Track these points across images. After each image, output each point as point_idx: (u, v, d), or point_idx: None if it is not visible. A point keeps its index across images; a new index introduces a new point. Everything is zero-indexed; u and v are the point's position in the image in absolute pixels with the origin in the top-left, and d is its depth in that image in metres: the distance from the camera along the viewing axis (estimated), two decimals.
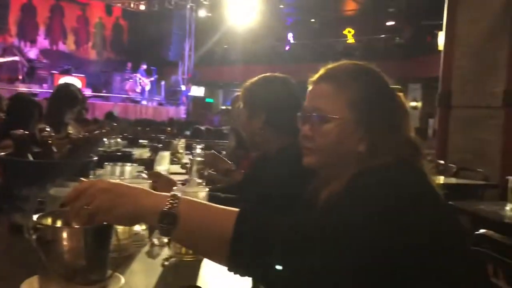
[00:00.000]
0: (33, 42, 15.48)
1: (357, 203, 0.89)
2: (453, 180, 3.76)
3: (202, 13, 18.57)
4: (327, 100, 1.06)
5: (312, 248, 0.81)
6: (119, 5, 18.37)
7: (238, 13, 16.74)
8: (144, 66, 16.32)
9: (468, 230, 1.95)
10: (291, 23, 19.36)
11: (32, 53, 15.22)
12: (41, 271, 0.91)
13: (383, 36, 17.02)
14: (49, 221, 0.95)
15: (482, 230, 1.67)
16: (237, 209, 0.86)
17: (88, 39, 17.70)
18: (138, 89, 16.26)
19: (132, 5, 18.43)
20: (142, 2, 18.33)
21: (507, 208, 2.38)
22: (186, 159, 3.70)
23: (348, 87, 1.05)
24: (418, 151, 1.05)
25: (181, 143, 4.00)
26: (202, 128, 7.90)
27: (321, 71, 1.12)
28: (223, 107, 19.78)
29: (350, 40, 18.20)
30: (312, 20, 19.58)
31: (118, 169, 1.48)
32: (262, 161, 1.86)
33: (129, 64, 16.62)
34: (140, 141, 3.20)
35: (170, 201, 0.84)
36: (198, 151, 1.34)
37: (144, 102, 16.36)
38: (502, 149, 4.70)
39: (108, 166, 1.48)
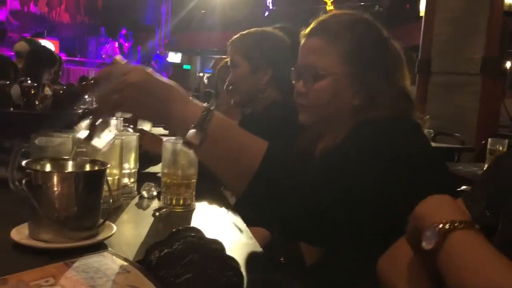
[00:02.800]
0: (2, 3, 14.81)
1: (356, 153, 0.89)
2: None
3: None
4: (319, 55, 1.04)
5: (317, 197, 0.82)
6: None
7: None
8: (124, 31, 15.93)
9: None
10: None
11: (1, 15, 14.59)
12: (32, 218, 0.89)
13: (363, 4, 16.91)
14: (38, 167, 0.92)
15: (463, 187, 1.71)
16: (265, 142, 0.84)
17: (60, 2, 17.04)
18: (116, 55, 15.89)
19: None
20: None
21: (485, 168, 2.45)
22: None
23: (340, 39, 1.03)
24: (412, 104, 1.06)
25: None
26: None
27: (313, 24, 1.09)
28: (201, 74, 19.53)
29: (330, 7, 18.06)
30: None
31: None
32: (249, 118, 1.85)
33: (103, 29, 16.14)
34: None
35: (203, 115, 0.79)
36: None
37: None
38: (478, 115, 4.79)
39: None
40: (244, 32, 1.74)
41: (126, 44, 16.23)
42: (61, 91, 1.35)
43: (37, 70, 2.85)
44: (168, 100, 0.79)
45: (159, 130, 2.95)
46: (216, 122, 0.80)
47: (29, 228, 0.90)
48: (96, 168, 0.94)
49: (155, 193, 1.32)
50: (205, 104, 0.82)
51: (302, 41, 1.09)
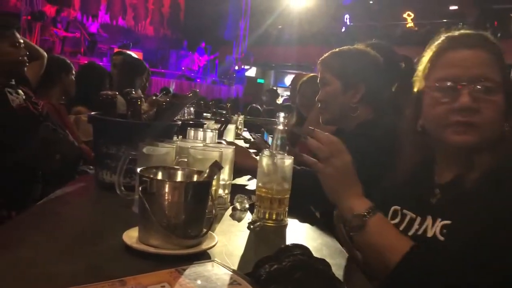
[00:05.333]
0: (94, 16, 15.90)
1: None
2: None
3: None
4: (492, 69, 0.99)
5: None
6: None
7: None
8: (203, 45, 16.58)
9: None
10: (348, 4, 18.85)
11: (93, 27, 15.67)
12: (143, 223, 0.93)
13: (445, 21, 16.27)
14: (151, 175, 0.97)
15: None
16: (411, 245, 0.92)
17: (146, 16, 18.03)
18: (195, 67, 16.54)
19: None
20: None
21: None
22: (245, 135, 3.79)
23: (501, 57, 1.02)
24: None
25: (240, 119, 4.15)
26: (259, 107, 7.85)
27: (472, 36, 1.04)
28: (274, 88, 19.71)
29: (410, 24, 17.56)
30: (371, 1, 19.00)
31: (200, 135, 1.52)
32: (338, 136, 1.83)
33: (185, 42, 16.85)
34: (204, 114, 3.28)
35: (368, 210, 0.97)
36: (281, 119, 1.32)
37: (198, 80, 16.59)
38: None
39: (191, 131, 1.52)
40: (335, 50, 1.72)
41: (204, 57, 16.81)
42: (164, 103, 1.41)
43: (132, 80, 3.02)
44: (352, 185, 1.01)
45: (241, 142, 3.02)
46: (377, 216, 0.97)
47: (139, 233, 0.95)
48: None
49: (247, 206, 1.34)
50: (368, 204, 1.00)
51: (452, 52, 1.03)
